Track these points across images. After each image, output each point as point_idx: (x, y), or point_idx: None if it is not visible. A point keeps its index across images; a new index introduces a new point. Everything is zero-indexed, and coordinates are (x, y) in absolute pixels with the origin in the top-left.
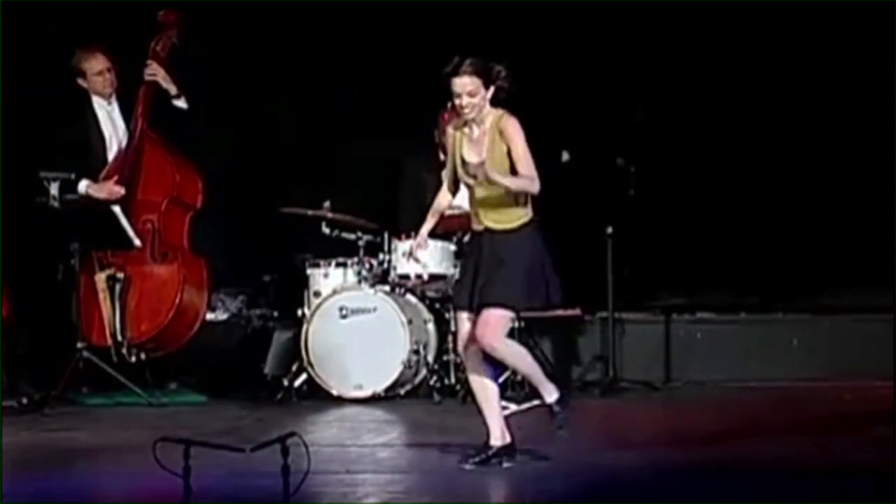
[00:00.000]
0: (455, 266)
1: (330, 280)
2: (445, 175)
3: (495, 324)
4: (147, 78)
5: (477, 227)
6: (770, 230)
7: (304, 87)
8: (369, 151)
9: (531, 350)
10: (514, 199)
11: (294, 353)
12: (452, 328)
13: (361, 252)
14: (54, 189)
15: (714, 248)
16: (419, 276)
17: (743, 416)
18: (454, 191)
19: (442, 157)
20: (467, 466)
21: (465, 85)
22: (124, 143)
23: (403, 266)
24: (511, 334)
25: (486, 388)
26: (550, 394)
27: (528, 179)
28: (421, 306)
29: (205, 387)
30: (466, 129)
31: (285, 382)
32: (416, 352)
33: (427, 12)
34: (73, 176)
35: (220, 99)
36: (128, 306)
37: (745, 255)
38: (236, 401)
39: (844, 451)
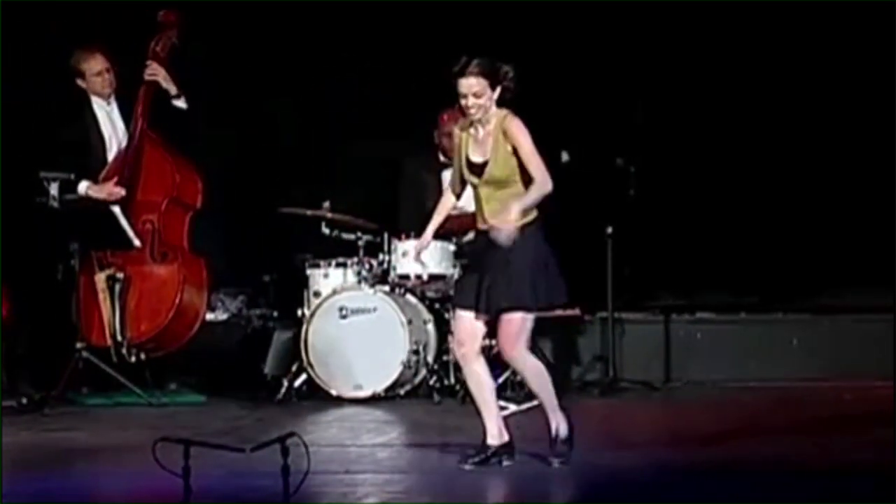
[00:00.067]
0: (455, 266)
1: (330, 280)
2: (451, 175)
3: (516, 331)
4: (147, 78)
5: (482, 226)
6: (770, 230)
7: (304, 87)
8: (369, 151)
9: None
10: (520, 198)
11: (294, 354)
12: (452, 328)
13: (361, 252)
14: (54, 189)
15: (714, 248)
16: (419, 277)
17: (743, 416)
18: (460, 191)
19: (442, 157)
20: (466, 467)
21: (472, 86)
22: (124, 143)
23: (403, 266)
24: None
25: (482, 387)
26: (561, 424)
27: (540, 184)
28: (421, 306)
29: (205, 387)
30: (472, 130)
31: (285, 382)
32: (416, 352)
33: (427, 12)
34: (72, 176)
35: (220, 99)
36: (127, 306)
37: (745, 255)
38: (236, 401)
39: (844, 451)
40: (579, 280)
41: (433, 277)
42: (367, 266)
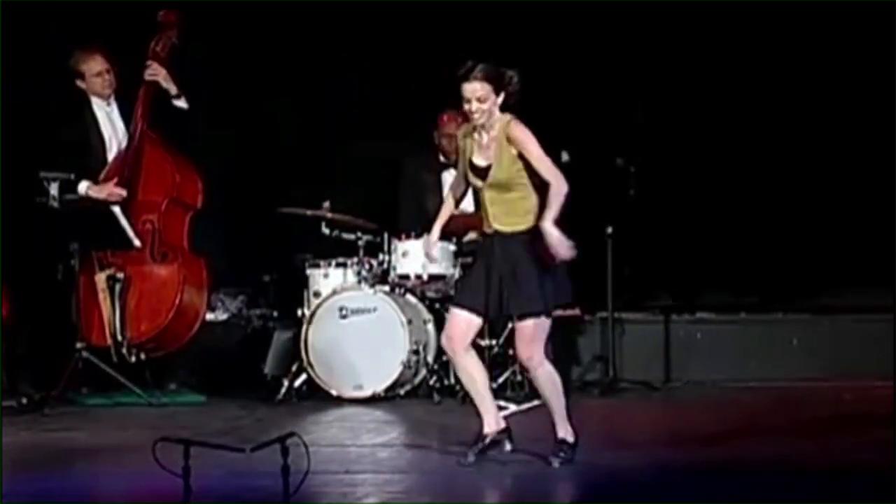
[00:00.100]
0: (455, 266)
1: (330, 280)
2: (453, 179)
3: (531, 334)
4: (148, 78)
5: (487, 229)
6: (770, 230)
7: (304, 87)
8: (369, 151)
9: None
10: (524, 201)
11: (294, 354)
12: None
13: (361, 252)
14: (54, 189)
15: (714, 248)
16: (419, 277)
17: (743, 416)
18: (462, 195)
19: (442, 158)
20: (470, 458)
21: (476, 90)
22: (124, 143)
23: (403, 266)
24: (511, 334)
25: (474, 379)
26: (567, 434)
27: (557, 187)
28: (421, 306)
29: (205, 387)
30: (475, 135)
31: (285, 382)
32: (416, 352)
33: (427, 12)
34: (72, 176)
35: (220, 99)
36: (128, 306)
37: (745, 255)
38: (236, 401)
39: (844, 451)
40: (579, 280)
41: (433, 277)
42: (367, 266)
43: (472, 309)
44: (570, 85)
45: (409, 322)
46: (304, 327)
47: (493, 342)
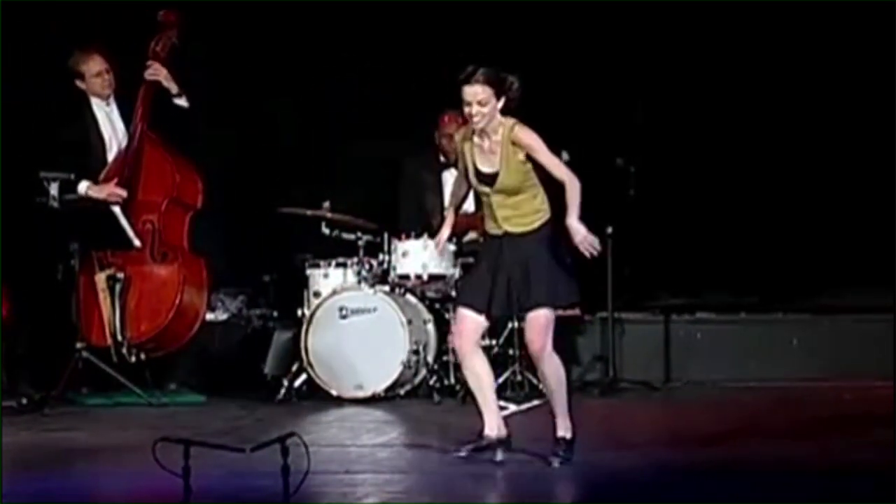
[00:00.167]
0: (455, 266)
1: (330, 280)
2: (454, 185)
3: (542, 326)
4: (148, 78)
5: (494, 231)
6: (770, 230)
7: (304, 87)
8: (369, 151)
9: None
10: (533, 200)
11: (294, 354)
12: (452, 328)
13: (361, 252)
14: (54, 189)
15: (714, 248)
16: (419, 277)
17: (743, 416)
18: (462, 199)
19: (442, 158)
20: (462, 453)
21: (477, 94)
22: (124, 144)
23: (403, 266)
24: (511, 334)
25: (480, 381)
26: (566, 430)
27: (572, 185)
28: (421, 306)
29: (204, 387)
30: (476, 139)
31: (285, 382)
32: (416, 352)
33: (427, 12)
34: (72, 176)
35: (220, 99)
36: (128, 306)
37: (745, 255)
38: (236, 401)
39: (844, 451)
40: (579, 280)
41: (433, 277)
42: (367, 266)
43: (476, 309)
44: (570, 85)
45: (409, 322)
46: (304, 327)
47: (493, 342)
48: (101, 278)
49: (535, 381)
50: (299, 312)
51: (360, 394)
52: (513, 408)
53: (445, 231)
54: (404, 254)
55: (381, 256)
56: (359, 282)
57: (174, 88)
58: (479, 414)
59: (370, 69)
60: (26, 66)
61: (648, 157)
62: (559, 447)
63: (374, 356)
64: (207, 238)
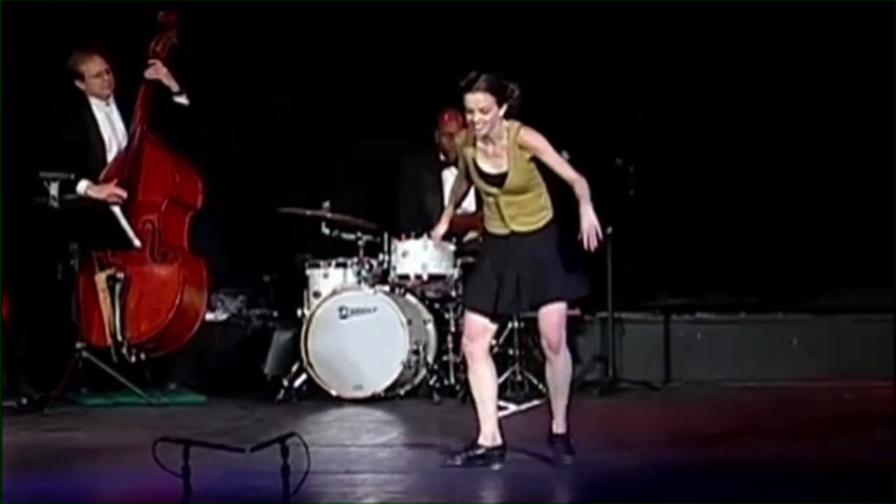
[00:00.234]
0: (455, 266)
1: (330, 280)
2: (453, 184)
3: (558, 321)
4: (148, 77)
5: (500, 230)
6: (770, 230)
7: (304, 87)
8: (369, 151)
9: (529, 350)
10: (539, 198)
11: (294, 354)
12: (452, 328)
13: (361, 252)
14: (54, 189)
15: (714, 248)
16: (419, 277)
17: (742, 416)
18: (464, 194)
19: (442, 157)
20: (457, 461)
21: (479, 101)
22: (123, 144)
23: (403, 266)
24: (511, 335)
25: (483, 386)
26: (564, 427)
27: (581, 183)
28: (421, 307)
29: (204, 387)
30: (480, 144)
31: (285, 383)
32: (416, 352)
33: (427, 12)
34: (72, 176)
35: (220, 99)
36: (128, 306)
37: (745, 255)
38: (236, 401)
39: (844, 451)
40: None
41: (433, 277)
42: (366, 266)
43: (483, 312)
44: (570, 85)
45: (409, 322)
46: (304, 327)
47: (493, 342)
48: (101, 278)
49: (534, 380)
50: (299, 312)
51: (360, 394)
52: (512, 408)
53: (442, 226)
54: (404, 254)
55: (381, 256)
56: (359, 282)
57: (174, 87)
58: (476, 420)
59: (370, 69)
60: (26, 66)
61: (648, 157)
62: (562, 444)
63: (374, 356)
64: (207, 238)
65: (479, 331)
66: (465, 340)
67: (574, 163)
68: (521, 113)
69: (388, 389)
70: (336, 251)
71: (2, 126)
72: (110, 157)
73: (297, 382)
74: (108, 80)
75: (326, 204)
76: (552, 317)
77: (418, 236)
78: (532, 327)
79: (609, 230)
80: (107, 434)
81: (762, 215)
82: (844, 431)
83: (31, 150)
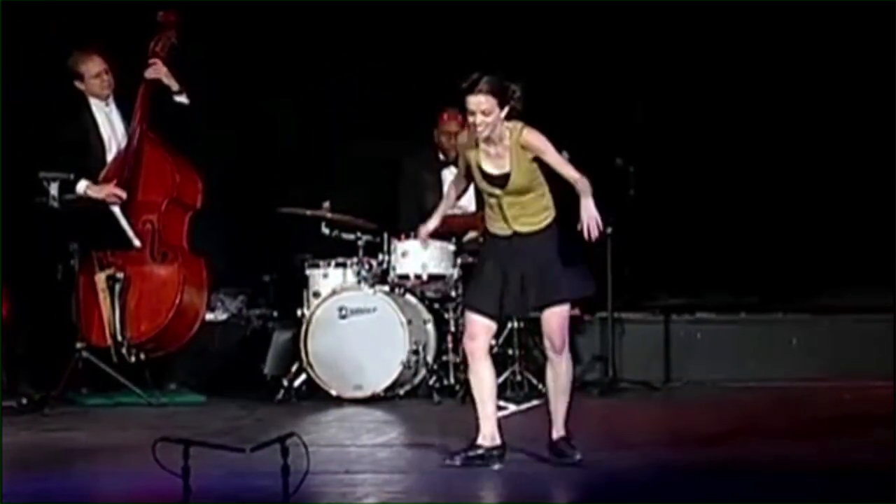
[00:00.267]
0: (455, 266)
1: (329, 280)
2: (452, 181)
3: (564, 322)
4: (148, 76)
5: (502, 231)
6: (770, 230)
7: (304, 87)
8: (369, 151)
9: (529, 350)
10: (542, 198)
11: (293, 354)
12: (452, 328)
13: (361, 252)
14: (54, 189)
15: (714, 248)
16: (418, 277)
17: (742, 416)
18: (462, 192)
19: (441, 156)
20: (456, 461)
21: (480, 103)
22: (123, 144)
23: (403, 266)
24: (510, 335)
25: (483, 386)
26: (561, 430)
27: (583, 183)
28: (420, 307)
29: (204, 387)
30: (483, 145)
31: (285, 383)
32: (416, 352)
33: (427, 12)
34: (72, 176)
35: (220, 99)
36: (127, 306)
37: (745, 255)
38: (236, 401)
39: (844, 451)
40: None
41: (433, 277)
42: (366, 266)
43: (486, 312)
44: (569, 85)
45: (409, 322)
46: (304, 327)
47: (493, 342)
48: (100, 278)
49: (534, 380)
50: (299, 312)
51: (360, 394)
52: (512, 408)
53: (432, 223)
54: (404, 254)
55: (380, 256)
56: (358, 282)
57: (174, 86)
58: (476, 420)
59: (370, 69)
60: (26, 66)
61: (648, 157)
62: (568, 444)
63: (374, 356)
64: (207, 238)
65: (481, 330)
66: (466, 339)
67: (574, 163)
68: (522, 113)
69: (387, 389)
70: (336, 251)
71: (2, 126)
72: (110, 157)
73: (297, 382)
74: (108, 80)
75: (326, 204)
76: (556, 318)
77: (417, 236)
78: (532, 327)
79: (609, 230)
80: (107, 434)
81: (762, 215)
82: (844, 431)
83: (31, 150)
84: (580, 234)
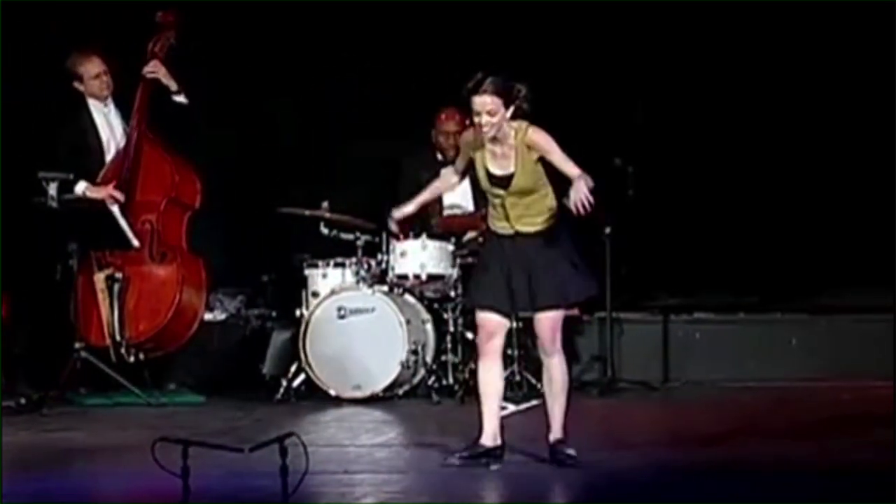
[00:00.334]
0: (454, 266)
1: (328, 280)
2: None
3: (555, 324)
4: (147, 76)
5: (505, 231)
6: (769, 230)
7: (304, 87)
8: (369, 151)
9: (528, 350)
10: (545, 199)
11: (292, 354)
12: (451, 328)
13: (360, 252)
14: (53, 189)
15: (713, 248)
16: (417, 277)
17: (742, 416)
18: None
19: (440, 156)
20: (455, 461)
21: (486, 104)
22: (122, 145)
23: (402, 266)
24: (510, 334)
25: (489, 386)
26: (559, 433)
27: (584, 179)
28: (419, 306)
29: (203, 387)
30: (489, 145)
31: (284, 383)
32: (415, 352)
33: (427, 12)
34: (71, 176)
35: (220, 99)
36: (126, 306)
37: (745, 255)
38: (235, 401)
39: (844, 451)
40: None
41: (432, 277)
42: (365, 266)
43: (499, 310)
44: (569, 85)
45: (408, 322)
46: (303, 327)
47: None
48: (99, 278)
49: (534, 380)
50: (298, 312)
51: (359, 394)
52: (511, 408)
53: (409, 207)
54: (403, 254)
55: (379, 256)
56: (357, 282)
57: (173, 85)
58: (479, 417)
59: (370, 69)
60: (26, 66)
61: (648, 157)
62: (563, 450)
63: (373, 356)
64: (206, 238)
65: (498, 328)
66: (482, 338)
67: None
68: (528, 113)
69: (386, 389)
70: (335, 251)
71: (1, 126)
72: (108, 158)
73: (296, 382)
74: (107, 81)
75: (325, 204)
76: (548, 321)
77: (417, 236)
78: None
79: (607, 230)
80: (106, 434)
81: (761, 215)
82: (844, 431)
83: (30, 150)
84: (579, 217)
